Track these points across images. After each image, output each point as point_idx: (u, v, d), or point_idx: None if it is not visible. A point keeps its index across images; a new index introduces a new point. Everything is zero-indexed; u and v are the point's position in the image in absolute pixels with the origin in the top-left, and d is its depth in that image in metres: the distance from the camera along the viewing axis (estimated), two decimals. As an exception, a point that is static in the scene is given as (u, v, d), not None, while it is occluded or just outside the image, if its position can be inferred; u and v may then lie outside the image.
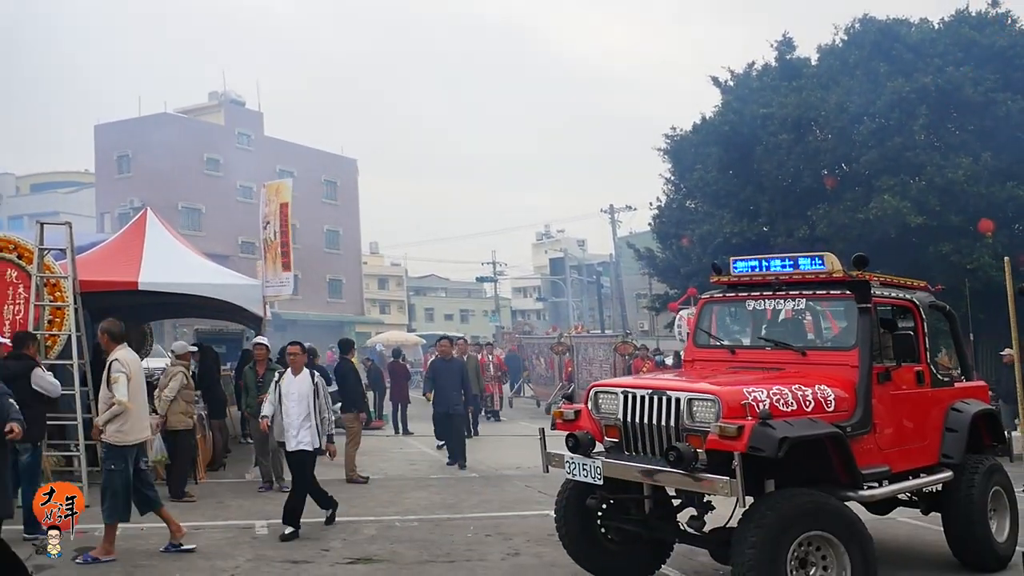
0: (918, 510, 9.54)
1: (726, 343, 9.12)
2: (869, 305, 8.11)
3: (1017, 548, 8.90)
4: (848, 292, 8.30)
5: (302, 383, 10.66)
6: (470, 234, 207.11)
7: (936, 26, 26.78)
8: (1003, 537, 9.13)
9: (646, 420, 7.51)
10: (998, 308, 18.09)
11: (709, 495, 7.28)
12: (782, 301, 8.74)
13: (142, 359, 19.41)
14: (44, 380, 10.26)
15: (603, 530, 8.35)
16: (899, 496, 8.81)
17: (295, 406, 10.47)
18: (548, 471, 8.34)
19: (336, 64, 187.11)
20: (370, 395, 21.31)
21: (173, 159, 57.22)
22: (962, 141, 24.21)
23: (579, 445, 7.75)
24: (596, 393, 8.12)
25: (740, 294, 9.05)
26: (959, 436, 8.84)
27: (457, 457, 15.82)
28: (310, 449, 10.48)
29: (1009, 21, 26.19)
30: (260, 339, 14.29)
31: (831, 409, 7.54)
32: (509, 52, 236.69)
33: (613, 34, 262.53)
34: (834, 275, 8.38)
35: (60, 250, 12.79)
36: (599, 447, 8.02)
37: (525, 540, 9.92)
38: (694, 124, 31.70)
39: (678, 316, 22.87)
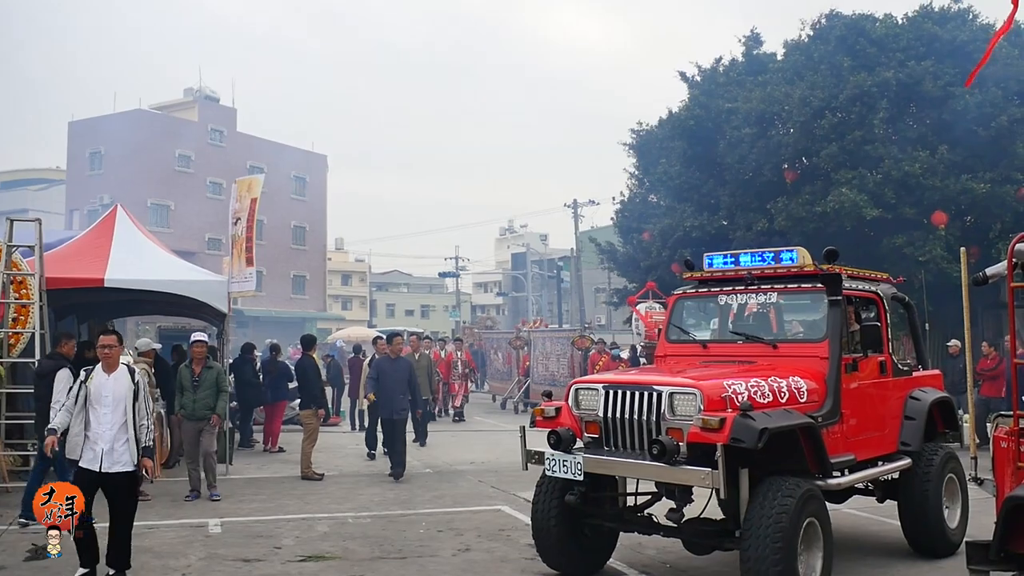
0: (860, 501, 9.79)
1: (698, 338, 9.33)
2: (840, 298, 8.39)
3: (965, 539, 9.11)
4: (819, 285, 8.58)
5: (118, 383, 8.27)
6: (435, 229, 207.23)
7: (900, 21, 26.98)
8: (955, 523, 9.46)
9: (627, 415, 7.65)
10: (947, 300, 18.44)
11: (693, 487, 7.51)
12: (754, 295, 9.00)
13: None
14: (61, 382, 10.49)
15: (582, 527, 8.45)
16: (856, 484, 9.02)
17: (110, 413, 8.16)
18: (527, 468, 8.44)
19: (303, 58, 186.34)
20: (329, 391, 21.28)
21: (145, 156, 57.02)
22: (920, 135, 24.53)
23: (561, 442, 7.83)
24: (577, 390, 8.22)
25: (712, 289, 9.31)
26: (917, 424, 9.21)
27: (398, 465, 14.27)
28: (132, 469, 8.20)
29: (971, 16, 26.49)
30: (198, 335, 13.46)
31: (804, 400, 7.86)
32: (479, 45, 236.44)
33: (586, 26, 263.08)
34: (806, 269, 8.68)
35: (28, 247, 12.63)
36: (579, 444, 8.12)
37: (476, 536, 10.01)
38: (660, 119, 31.91)
39: (635, 310, 22.99)
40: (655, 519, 8.24)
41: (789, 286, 8.77)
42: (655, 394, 7.49)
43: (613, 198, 34.93)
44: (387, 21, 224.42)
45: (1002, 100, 23.25)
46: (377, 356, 16.08)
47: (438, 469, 15.27)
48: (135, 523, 9.74)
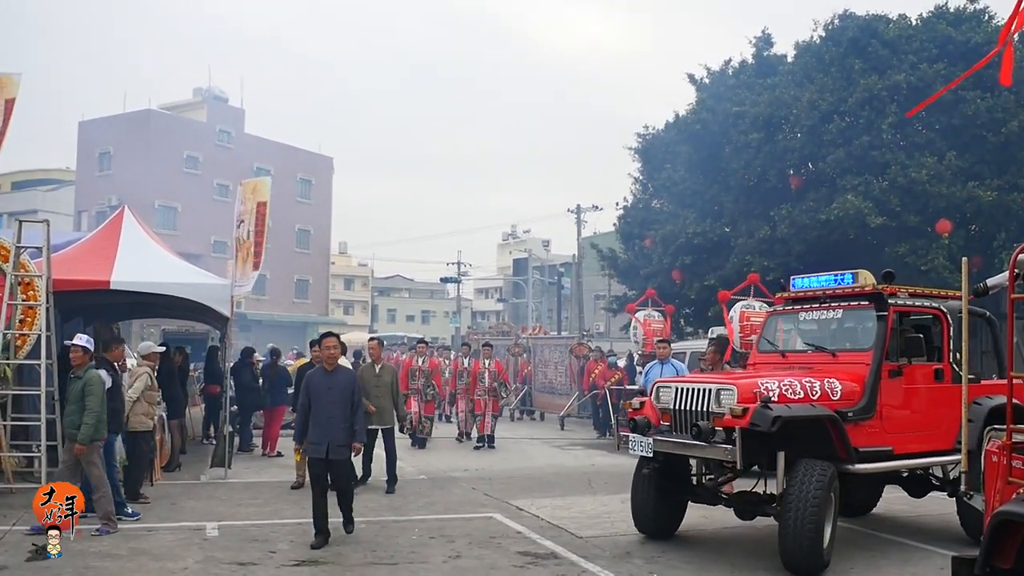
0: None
1: (779, 348, 11.15)
2: (885, 313, 9.84)
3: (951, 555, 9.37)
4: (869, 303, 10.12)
5: None
6: (439, 234, 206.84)
7: (914, 22, 26.86)
8: None
9: (688, 407, 9.52)
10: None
11: (730, 461, 9.10)
12: (825, 312, 10.68)
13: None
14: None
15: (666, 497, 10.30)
16: (932, 481, 10.87)
17: None
18: (619, 448, 11.10)
19: (307, 61, 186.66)
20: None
21: (153, 157, 57.13)
22: (928, 140, 24.42)
23: (638, 427, 9.86)
24: (658, 387, 10.19)
25: (796, 307, 11.07)
26: (974, 425, 9.81)
27: (348, 522, 10.41)
28: None
29: (986, 18, 26.29)
30: (78, 338, 10.67)
31: (836, 398, 9.31)
32: (484, 49, 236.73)
33: (593, 29, 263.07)
34: (866, 289, 10.22)
35: (36, 248, 12.65)
36: (656, 430, 9.94)
37: (467, 542, 10.10)
38: (667, 123, 31.92)
39: (633, 318, 23.07)
40: (719, 494, 10.14)
41: (851, 303, 10.40)
42: (708, 390, 9.34)
43: (617, 203, 35.00)
44: (393, 24, 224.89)
45: (1014, 105, 23.22)
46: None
47: (432, 476, 15.27)
48: (133, 525, 9.97)
